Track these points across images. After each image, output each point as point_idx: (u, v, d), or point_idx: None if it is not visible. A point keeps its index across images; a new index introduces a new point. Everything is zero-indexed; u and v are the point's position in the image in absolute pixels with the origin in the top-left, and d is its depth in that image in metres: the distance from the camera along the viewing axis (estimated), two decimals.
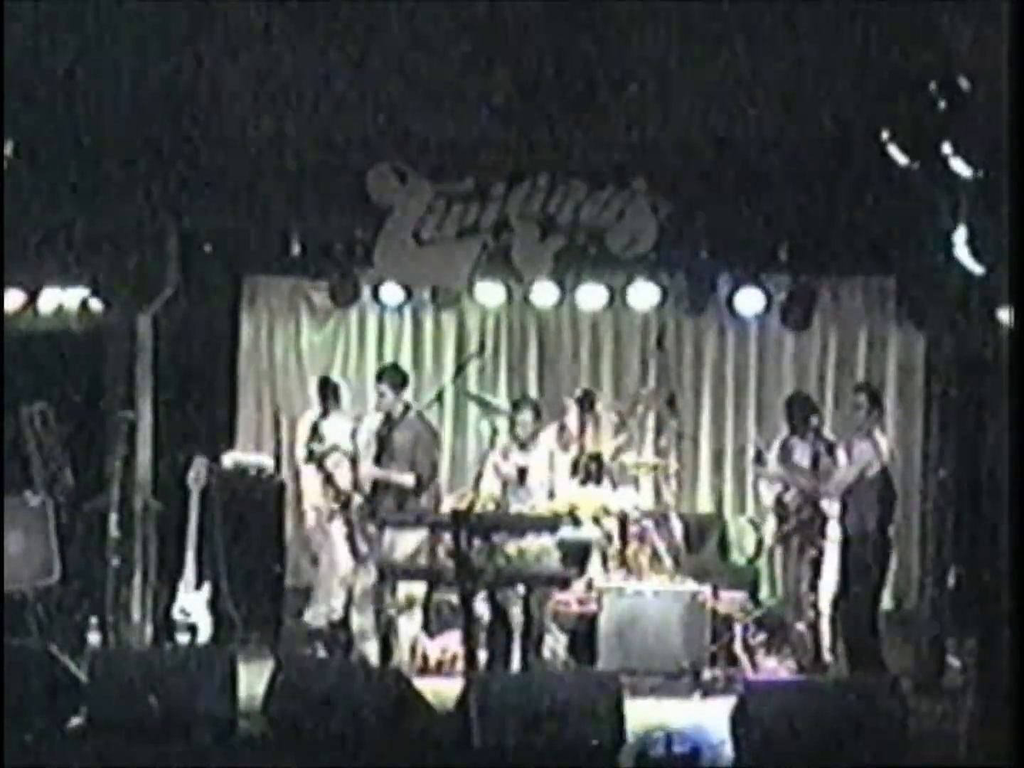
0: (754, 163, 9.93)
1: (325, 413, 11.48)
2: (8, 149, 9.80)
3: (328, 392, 11.57)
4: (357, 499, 10.73)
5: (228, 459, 11.74)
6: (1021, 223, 7.82)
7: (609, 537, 11.01)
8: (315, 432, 11.44)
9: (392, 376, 10.79)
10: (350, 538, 10.76)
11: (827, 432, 10.91)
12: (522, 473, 10.87)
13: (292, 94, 9.96)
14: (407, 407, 10.71)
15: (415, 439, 10.57)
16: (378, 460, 10.60)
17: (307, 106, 9.97)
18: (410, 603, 10.41)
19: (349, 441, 11.36)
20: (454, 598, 10.24)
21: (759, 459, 11.12)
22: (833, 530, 10.64)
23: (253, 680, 9.09)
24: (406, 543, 10.27)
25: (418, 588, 10.43)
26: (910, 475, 11.38)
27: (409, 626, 10.44)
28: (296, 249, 10.92)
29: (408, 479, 10.48)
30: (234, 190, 10.19)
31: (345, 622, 10.94)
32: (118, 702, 8.67)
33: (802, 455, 10.80)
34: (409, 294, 11.58)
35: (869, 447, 10.18)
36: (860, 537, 10.15)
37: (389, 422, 10.62)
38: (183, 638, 10.60)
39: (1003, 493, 7.98)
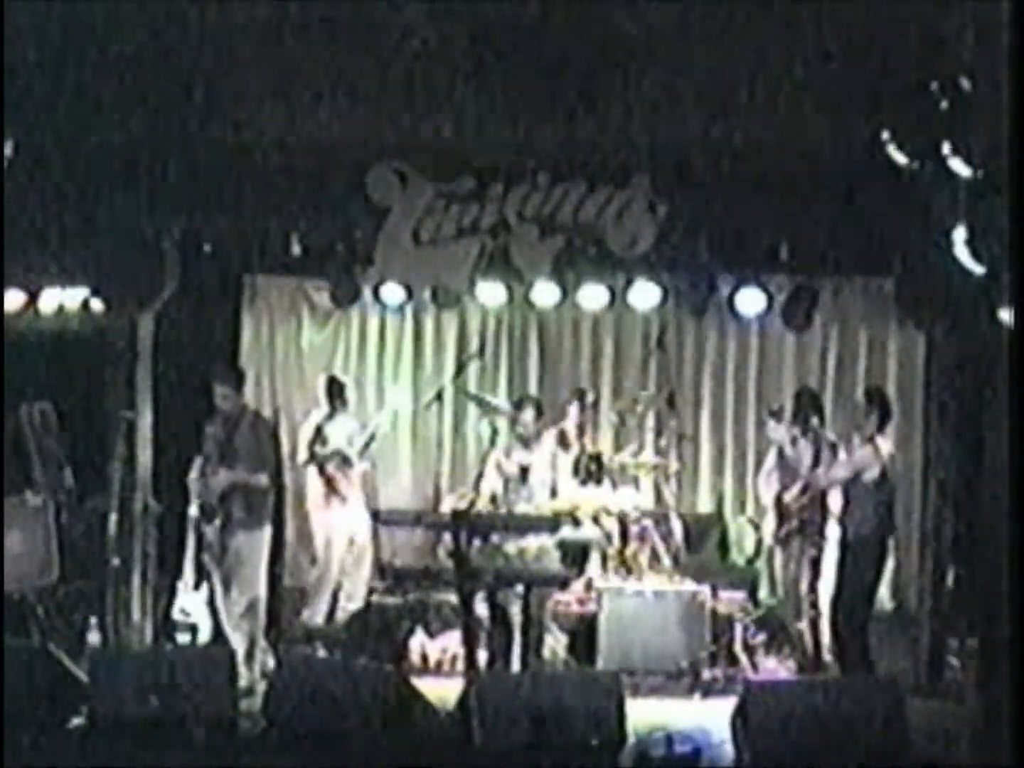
0: (754, 163, 9.91)
1: (332, 414, 11.46)
2: (8, 149, 9.80)
3: (335, 392, 11.55)
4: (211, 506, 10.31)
5: None
6: (1021, 223, 7.84)
7: (609, 537, 11.03)
8: (319, 433, 11.43)
9: (226, 376, 10.50)
10: (207, 548, 10.31)
11: (827, 432, 10.90)
12: (524, 471, 10.87)
13: (292, 94, 9.95)
14: (245, 407, 10.50)
15: (256, 439, 10.30)
16: (222, 462, 10.22)
17: (307, 106, 9.96)
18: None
19: (348, 444, 11.38)
20: (454, 598, 10.25)
21: (778, 414, 10.97)
22: (833, 530, 10.64)
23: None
24: (253, 551, 10.17)
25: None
26: (910, 475, 11.36)
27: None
28: (296, 249, 10.90)
29: (261, 479, 10.17)
30: (234, 190, 10.17)
31: (345, 622, 10.94)
32: (118, 702, 8.69)
33: (803, 452, 10.79)
34: (410, 294, 11.54)
35: (869, 451, 10.10)
36: (856, 541, 10.08)
37: (227, 424, 10.30)
38: (183, 638, 10.59)
39: (1003, 493, 7.99)
